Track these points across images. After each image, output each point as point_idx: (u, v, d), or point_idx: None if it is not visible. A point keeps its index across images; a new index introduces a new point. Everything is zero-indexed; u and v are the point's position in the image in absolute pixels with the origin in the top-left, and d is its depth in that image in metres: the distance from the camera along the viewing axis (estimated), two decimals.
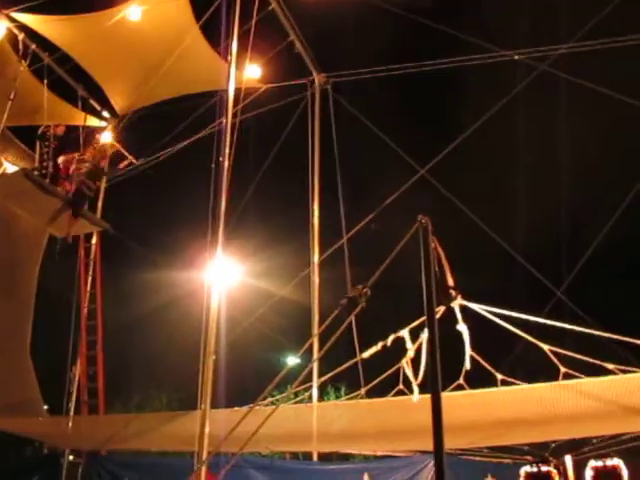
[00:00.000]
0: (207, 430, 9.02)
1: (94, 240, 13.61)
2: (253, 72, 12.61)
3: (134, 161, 13.17)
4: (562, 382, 9.05)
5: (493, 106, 12.38)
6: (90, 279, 13.56)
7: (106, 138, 13.83)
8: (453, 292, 7.78)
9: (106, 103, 13.96)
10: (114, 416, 14.20)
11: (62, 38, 12.21)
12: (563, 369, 9.28)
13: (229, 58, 10.86)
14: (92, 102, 13.86)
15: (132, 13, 11.63)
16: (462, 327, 9.17)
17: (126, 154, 13.12)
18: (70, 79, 13.32)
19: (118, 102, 13.76)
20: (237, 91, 10.63)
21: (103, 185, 13.75)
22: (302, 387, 11.77)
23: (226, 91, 10.59)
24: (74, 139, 12.86)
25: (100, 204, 13.86)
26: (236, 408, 9.28)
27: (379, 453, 12.06)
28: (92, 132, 13.60)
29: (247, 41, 11.30)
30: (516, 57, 12.36)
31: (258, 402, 6.92)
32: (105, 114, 14.17)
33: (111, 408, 15.80)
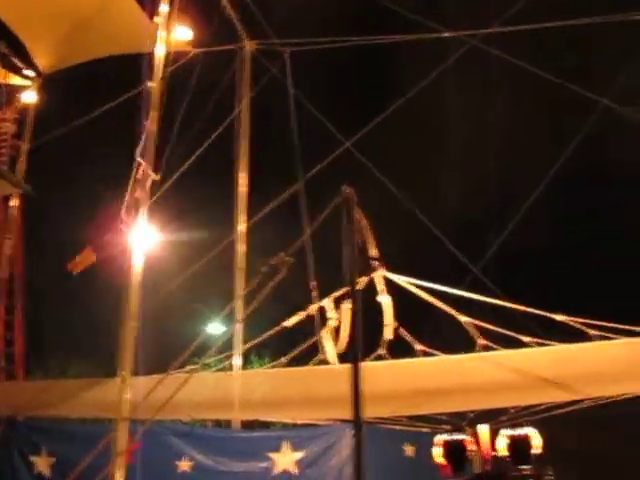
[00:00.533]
0: (127, 397, 8.96)
1: (14, 202, 13.21)
2: (183, 34, 12.40)
3: None
4: (479, 354, 9.28)
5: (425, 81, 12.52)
6: (10, 243, 13.19)
7: (29, 97, 13.45)
8: (376, 263, 7.90)
9: (29, 61, 13.50)
10: (32, 382, 13.92)
11: None
12: (481, 341, 9.52)
13: (158, 19, 10.69)
14: (14, 59, 13.39)
15: None
16: (383, 298, 9.31)
17: None
18: None
19: (42, 61, 13.33)
20: (166, 54, 10.49)
21: (25, 146, 13.35)
22: (225, 354, 11.80)
23: (154, 53, 10.45)
24: None
25: (22, 166, 13.47)
26: (155, 375, 9.22)
27: (299, 422, 12.15)
28: (13, 91, 13.22)
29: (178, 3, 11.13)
30: (446, 34, 12.49)
31: (172, 369, 6.86)
32: (29, 73, 13.71)
33: (30, 375, 15.49)
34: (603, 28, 12.56)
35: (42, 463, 10.89)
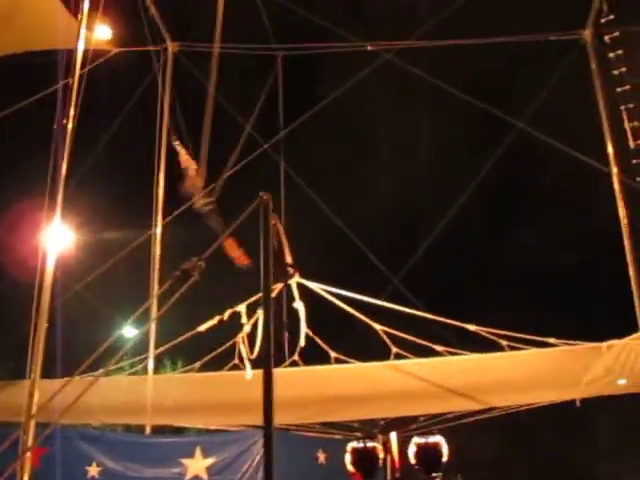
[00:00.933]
0: (35, 399, 8.76)
1: None
2: (104, 33, 12.25)
3: None
4: (391, 362, 9.41)
5: (346, 92, 12.67)
6: None
7: None
8: (291, 270, 7.92)
9: None
10: None
11: None
12: (394, 349, 9.65)
13: (79, 16, 10.53)
14: None
15: None
16: (298, 304, 9.35)
17: None
18: None
19: None
20: (85, 52, 10.34)
21: None
22: (138, 358, 11.66)
23: (74, 50, 10.28)
24: None
25: None
26: (66, 378, 9.03)
27: (212, 427, 12.09)
28: None
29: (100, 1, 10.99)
30: (369, 47, 12.68)
31: (79, 372, 6.72)
32: None
33: None
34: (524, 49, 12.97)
35: None
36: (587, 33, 13.19)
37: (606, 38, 12.46)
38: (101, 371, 8.66)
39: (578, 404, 10.26)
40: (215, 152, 10.93)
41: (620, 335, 9.44)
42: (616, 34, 12.33)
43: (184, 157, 11.13)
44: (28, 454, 8.43)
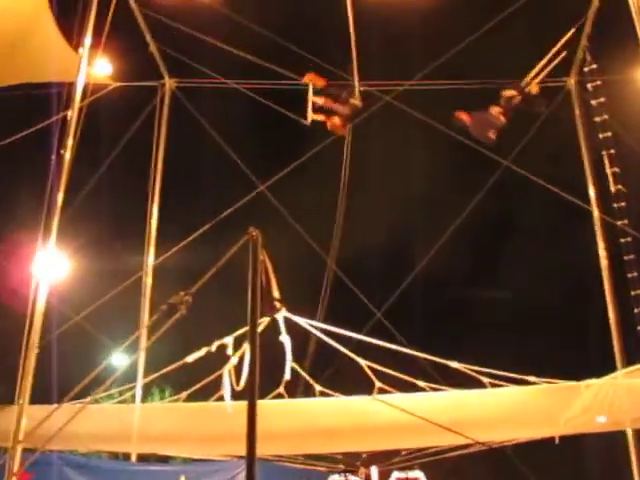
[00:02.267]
0: (23, 425, 8.72)
1: None
2: (104, 68, 12.40)
3: None
4: (375, 396, 9.40)
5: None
6: None
7: None
8: (278, 304, 7.93)
9: None
10: None
11: None
12: (378, 384, 9.65)
13: (80, 52, 10.66)
14: None
15: None
16: (285, 338, 9.37)
17: None
18: None
19: None
20: (85, 85, 10.47)
21: None
22: (127, 387, 11.62)
23: (74, 83, 10.41)
24: None
25: None
26: (55, 405, 9.00)
27: (197, 456, 12.03)
28: None
29: (102, 34, 11.14)
30: (362, 88, 12.75)
31: (68, 399, 6.73)
32: None
33: None
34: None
35: None
36: (571, 81, 13.40)
37: (589, 86, 12.65)
38: (89, 399, 8.66)
39: (557, 441, 10.26)
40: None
41: (599, 374, 9.48)
42: (598, 83, 12.53)
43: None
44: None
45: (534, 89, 10.84)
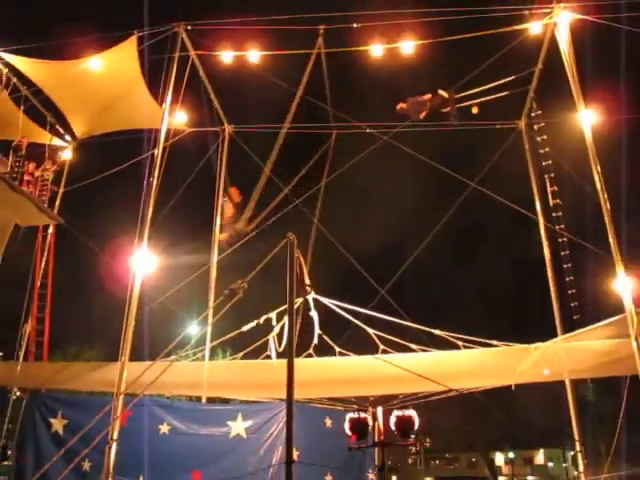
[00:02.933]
0: (124, 377, 8.82)
1: (50, 230, 12.97)
2: (180, 118, 12.53)
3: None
4: (380, 355, 9.40)
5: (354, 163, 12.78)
6: (44, 260, 12.91)
7: (66, 155, 13.35)
8: (309, 288, 7.99)
9: (68, 129, 13.36)
10: (54, 363, 13.53)
11: (38, 76, 11.59)
12: (382, 347, 9.64)
13: (164, 107, 10.79)
14: (57, 127, 13.24)
15: (94, 64, 11.23)
16: (313, 313, 9.39)
17: None
18: (42, 108, 12.69)
19: (78, 129, 13.20)
20: (167, 131, 10.59)
21: (61, 190, 13.17)
22: (199, 349, 11.69)
23: (160, 130, 10.55)
24: (41, 153, 12.36)
25: (57, 203, 13.27)
26: (148, 362, 9.09)
27: (250, 399, 12.05)
28: (55, 150, 13.06)
29: (179, 93, 11.24)
30: (368, 130, 12.73)
31: (158, 359, 6.80)
32: (67, 137, 13.55)
33: (52, 357, 15.05)
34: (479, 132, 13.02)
35: (57, 424, 10.60)
36: (522, 123, 13.31)
37: (535, 127, 12.57)
38: (172, 357, 8.76)
39: (513, 388, 10.18)
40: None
41: (544, 339, 9.41)
42: (542, 124, 12.44)
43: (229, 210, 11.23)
44: (118, 416, 8.52)
45: (475, 109, 10.77)
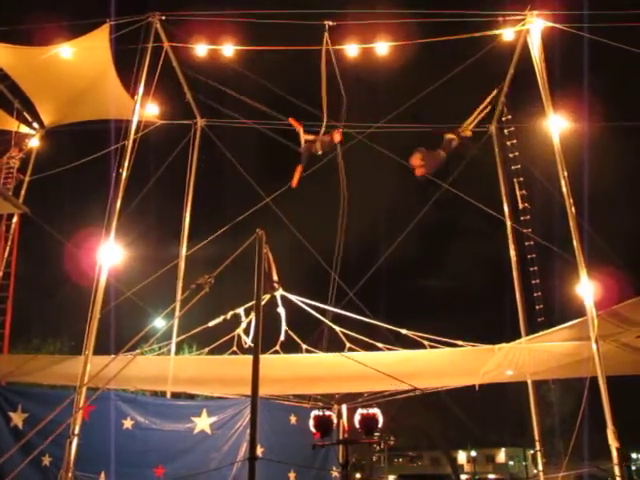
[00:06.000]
0: (88, 370, 8.68)
1: (15, 219, 12.67)
2: (152, 110, 12.36)
3: None
4: (346, 353, 9.40)
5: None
6: (7, 249, 12.61)
7: (33, 143, 13.06)
8: (276, 285, 7.97)
9: (37, 116, 13.07)
10: (15, 356, 13.20)
11: (5, 60, 11.29)
12: (348, 344, 9.64)
13: (135, 98, 10.62)
14: (25, 114, 12.95)
15: (64, 52, 10.99)
16: (281, 310, 9.35)
17: None
18: (9, 94, 12.39)
19: (46, 117, 12.91)
20: (138, 122, 10.44)
21: (27, 179, 12.87)
22: (164, 343, 11.57)
23: (130, 121, 10.38)
24: (7, 140, 12.09)
25: (23, 192, 12.98)
26: (112, 355, 8.95)
27: (215, 395, 11.99)
28: (22, 137, 12.77)
29: (151, 85, 11.08)
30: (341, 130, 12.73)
31: (122, 352, 6.70)
32: (35, 125, 13.25)
33: (14, 350, 14.72)
34: None
35: (17, 418, 10.32)
36: (492, 127, 13.47)
37: (505, 131, 12.72)
38: (137, 351, 8.62)
39: (477, 388, 10.31)
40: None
41: (508, 340, 9.53)
42: (512, 129, 12.59)
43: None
44: (80, 410, 8.38)
45: (468, 133, 10.84)
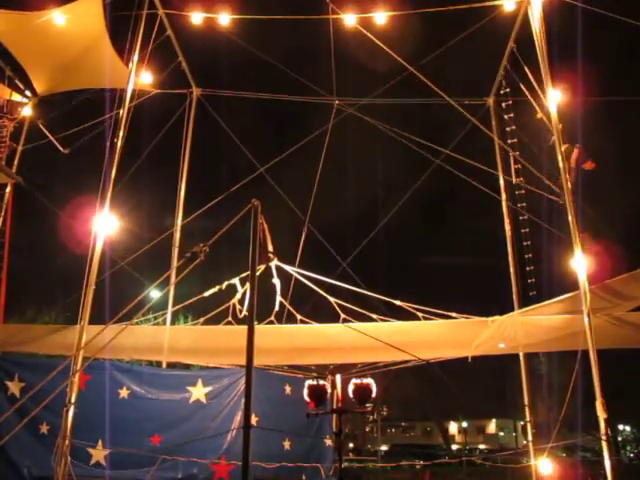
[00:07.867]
0: (83, 339, 8.68)
1: (8, 189, 12.54)
2: (147, 79, 12.16)
3: None
4: (340, 324, 9.43)
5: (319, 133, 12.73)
6: (1, 219, 12.50)
7: (26, 111, 12.85)
8: (271, 255, 7.94)
9: (29, 84, 12.84)
10: (10, 325, 13.20)
11: None
12: (342, 315, 9.67)
13: (130, 66, 10.45)
14: (17, 82, 12.72)
15: (57, 18, 10.75)
16: (276, 280, 9.35)
17: None
18: (0, 61, 12.14)
19: (39, 85, 12.68)
20: (133, 91, 10.28)
21: (20, 148, 12.70)
22: (160, 313, 11.59)
23: (125, 90, 10.23)
24: None
25: (16, 162, 12.81)
26: (107, 324, 8.95)
27: (211, 365, 12.05)
28: (15, 105, 12.55)
29: (146, 53, 10.92)
30: (337, 102, 12.75)
31: (114, 322, 6.68)
32: (27, 93, 13.03)
33: (9, 320, 14.70)
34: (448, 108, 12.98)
35: (14, 387, 10.38)
36: (490, 100, 13.34)
37: (503, 104, 12.61)
38: (132, 321, 8.63)
39: (469, 360, 10.37)
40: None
41: (501, 313, 9.56)
42: (510, 102, 12.48)
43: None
44: (75, 378, 8.40)
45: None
